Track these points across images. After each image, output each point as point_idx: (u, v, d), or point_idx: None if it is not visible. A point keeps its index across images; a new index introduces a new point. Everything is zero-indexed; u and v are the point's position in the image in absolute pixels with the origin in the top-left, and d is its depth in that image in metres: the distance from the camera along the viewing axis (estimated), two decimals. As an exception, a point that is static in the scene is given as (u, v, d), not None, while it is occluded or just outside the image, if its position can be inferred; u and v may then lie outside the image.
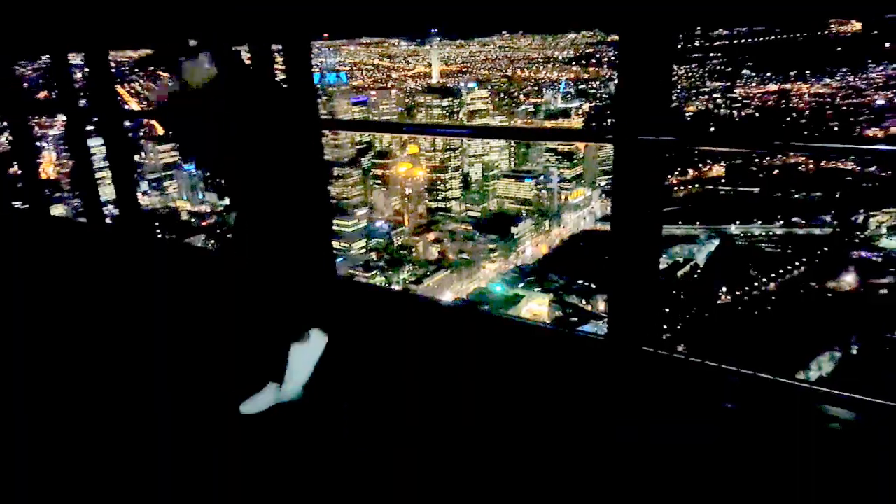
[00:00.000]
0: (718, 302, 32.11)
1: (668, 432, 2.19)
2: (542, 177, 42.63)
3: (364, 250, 39.24)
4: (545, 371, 2.69)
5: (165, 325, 3.28)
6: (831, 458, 2.05)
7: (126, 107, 57.25)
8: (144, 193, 47.23)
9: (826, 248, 33.44)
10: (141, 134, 48.42)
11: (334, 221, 39.95)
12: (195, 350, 2.89)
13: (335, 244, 39.31)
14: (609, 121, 45.98)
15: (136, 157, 47.95)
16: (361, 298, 3.63)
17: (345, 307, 3.21)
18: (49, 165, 46.55)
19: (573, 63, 50.95)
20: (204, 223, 42.76)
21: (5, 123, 6.14)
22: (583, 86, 48.94)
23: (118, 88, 58.27)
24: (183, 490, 2.01)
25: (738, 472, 2.00)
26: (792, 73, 44.84)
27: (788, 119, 43.53)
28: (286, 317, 2.18)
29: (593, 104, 47.28)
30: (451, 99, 46.77)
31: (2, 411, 2.55)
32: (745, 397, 2.43)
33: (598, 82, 49.43)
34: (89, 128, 5.49)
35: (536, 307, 32.52)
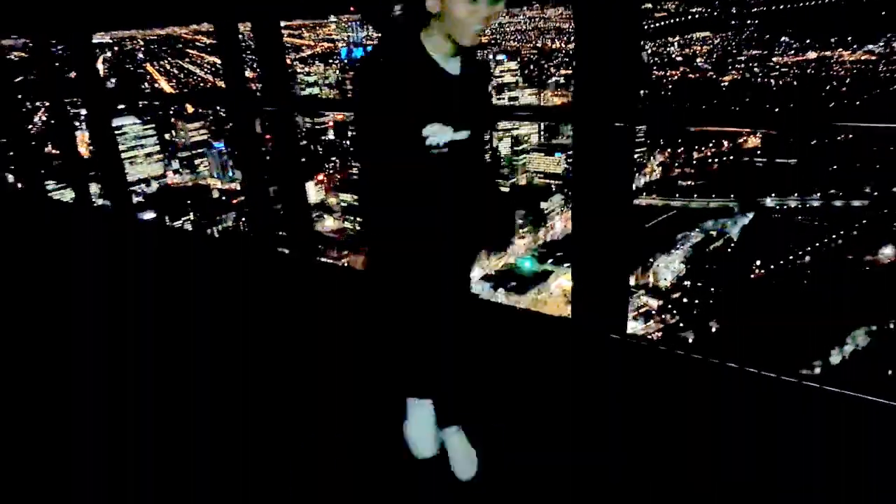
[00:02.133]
0: (752, 276, 31.58)
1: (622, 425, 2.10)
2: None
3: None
4: (507, 349, 2.58)
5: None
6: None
7: (156, 85, 57.77)
8: (176, 172, 47.92)
9: (865, 221, 32.61)
10: (171, 112, 48.97)
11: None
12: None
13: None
14: (642, 91, 44.96)
15: (167, 136, 48.54)
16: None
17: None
18: (82, 145, 47.33)
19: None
20: (234, 201, 43.28)
21: None
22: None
23: (148, 66, 58.89)
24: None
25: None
26: (833, 40, 43.29)
27: (828, 87, 42.18)
28: None
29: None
30: (478, 72, 46.12)
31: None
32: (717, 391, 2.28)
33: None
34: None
35: (566, 283, 32.36)
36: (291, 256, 3.87)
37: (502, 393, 2.27)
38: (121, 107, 46.32)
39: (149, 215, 41.09)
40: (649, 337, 29.40)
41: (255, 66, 3.58)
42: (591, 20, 2.17)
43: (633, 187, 2.45)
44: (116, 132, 48.26)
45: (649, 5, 53.70)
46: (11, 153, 5.98)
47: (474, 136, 1.70)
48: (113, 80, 56.53)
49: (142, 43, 59.69)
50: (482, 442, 1.96)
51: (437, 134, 1.61)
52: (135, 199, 44.18)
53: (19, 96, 6.07)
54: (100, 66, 58.60)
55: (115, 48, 59.59)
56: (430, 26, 1.56)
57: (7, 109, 5.76)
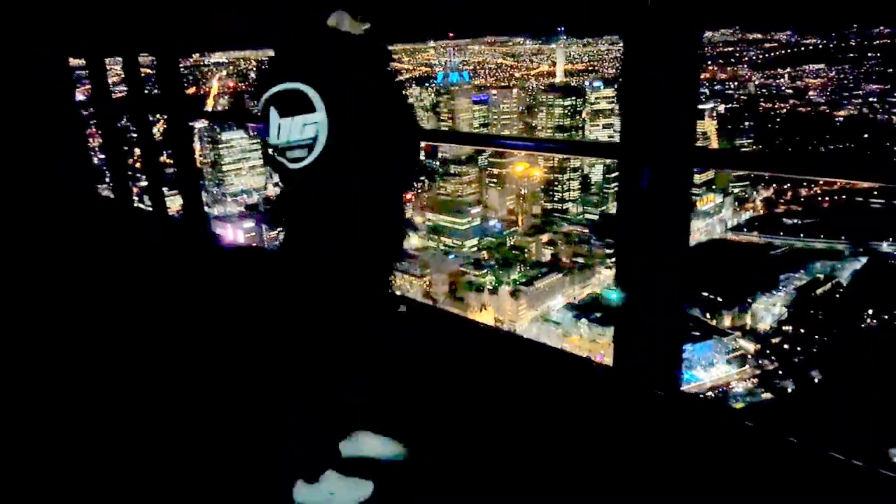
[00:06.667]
0: (863, 326, 29.18)
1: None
2: (668, 181, 40.68)
3: (476, 248, 39.36)
4: (542, 393, 2.39)
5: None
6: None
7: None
8: (276, 185, 50.06)
9: None
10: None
11: (446, 218, 40.73)
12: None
13: (447, 241, 39.77)
14: (747, 123, 43.10)
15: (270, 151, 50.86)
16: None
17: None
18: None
19: (709, 62, 48.35)
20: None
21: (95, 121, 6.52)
22: (718, 86, 46.31)
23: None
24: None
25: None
26: (967, 75, 39.95)
27: (959, 127, 38.84)
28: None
29: (729, 106, 44.50)
30: (573, 98, 45.84)
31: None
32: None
33: (735, 83, 46.54)
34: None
35: (654, 317, 31.15)
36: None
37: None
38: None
39: (248, 224, 43.29)
40: (743, 383, 27.71)
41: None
42: (642, 49, 1.99)
43: (688, 229, 2.23)
44: (225, 145, 51.32)
45: (759, 35, 51.62)
46: (107, 165, 6.40)
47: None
48: (225, 97, 60.30)
49: (254, 63, 63.40)
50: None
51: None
52: (236, 209, 46.78)
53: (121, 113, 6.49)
54: (215, 83, 62.73)
55: (230, 67, 63.71)
56: None
57: (107, 126, 6.13)
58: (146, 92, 5.56)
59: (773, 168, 2.16)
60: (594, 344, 30.16)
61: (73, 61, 6.42)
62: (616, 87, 47.67)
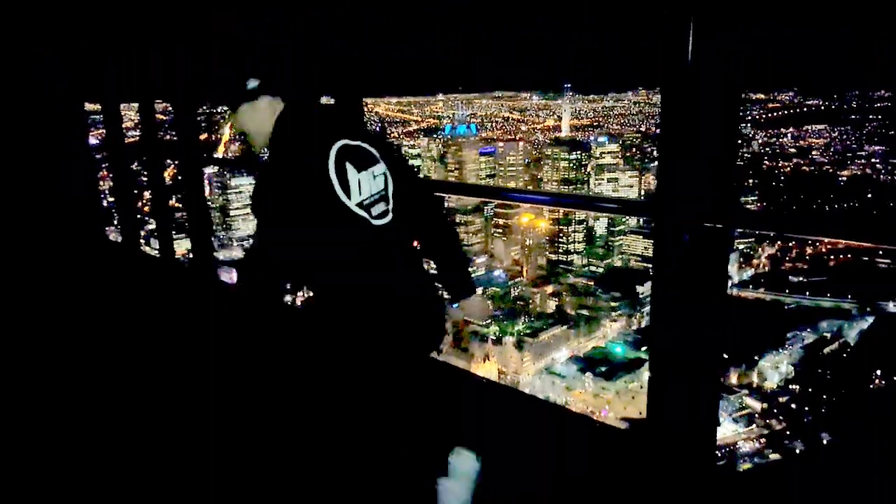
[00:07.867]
0: (871, 387, 28.67)
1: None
2: (673, 236, 40.75)
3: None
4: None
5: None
6: None
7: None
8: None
9: None
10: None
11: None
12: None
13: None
14: (752, 181, 43.47)
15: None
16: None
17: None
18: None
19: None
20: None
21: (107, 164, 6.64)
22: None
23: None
24: None
25: None
26: (969, 138, 40.38)
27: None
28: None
29: (733, 163, 44.99)
30: (579, 152, 46.46)
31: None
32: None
33: (739, 140, 47.11)
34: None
35: (659, 373, 30.66)
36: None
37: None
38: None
39: (252, 269, 43.43)
40: (750, 443, 27.04)
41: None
42: (682, 105, 1.92)
43: (727, 291, 2.13)
44: (234, 191, 51.91)
45: (762, 95, 52.54)
46: (116, 210, 6.48)
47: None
48: (236, 144, 61.36)
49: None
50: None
51: None
52: (241, 253, 47.00)
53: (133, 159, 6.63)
54: (226, 129, 63.93)
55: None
56: None
57: (119, 171, 6.22)
58: (159, 137, 5.64)
59: (809, 231, 2.08)
60: (598, 399, 29.67)
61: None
62: (620, 142, 48.41)
